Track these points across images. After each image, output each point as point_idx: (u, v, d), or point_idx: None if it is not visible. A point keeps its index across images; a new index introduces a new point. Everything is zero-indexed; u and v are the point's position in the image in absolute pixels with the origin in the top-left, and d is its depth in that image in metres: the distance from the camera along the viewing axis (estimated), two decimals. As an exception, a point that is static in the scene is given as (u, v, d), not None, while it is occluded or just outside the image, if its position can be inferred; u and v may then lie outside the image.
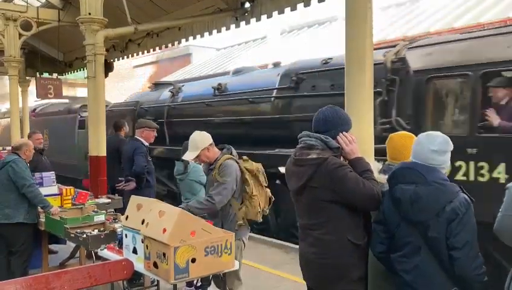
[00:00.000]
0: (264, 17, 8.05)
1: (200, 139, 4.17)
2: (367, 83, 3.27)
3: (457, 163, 4.89)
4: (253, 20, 8.24)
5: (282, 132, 7.15)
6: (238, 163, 4.16)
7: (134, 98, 12.36)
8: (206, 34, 9.31)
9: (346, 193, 2.63)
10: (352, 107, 3.18)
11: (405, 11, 16.07)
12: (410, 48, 6.02)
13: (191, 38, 9.74)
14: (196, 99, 9.67)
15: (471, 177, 4.78)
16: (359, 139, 2.94)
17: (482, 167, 4.72)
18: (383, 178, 2.81)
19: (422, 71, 5.50)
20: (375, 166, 3.01)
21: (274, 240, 7.51)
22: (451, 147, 2.58)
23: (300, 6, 7.49)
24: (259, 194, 4.14)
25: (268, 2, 7.91)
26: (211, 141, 4.19)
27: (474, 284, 2.43)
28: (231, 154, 4.23)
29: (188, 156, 4.21)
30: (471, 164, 4.79)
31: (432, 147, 2.54)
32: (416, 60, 5.66)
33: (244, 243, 4.24)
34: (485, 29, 6.14)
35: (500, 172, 4.57)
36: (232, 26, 8.64)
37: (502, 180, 4.51)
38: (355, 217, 2.70)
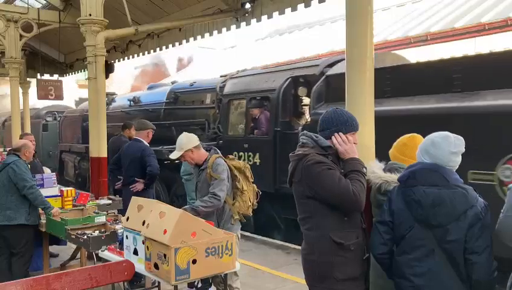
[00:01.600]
0: (264, 17, 8.06)
1: (185, 141, 4.34)
2: (368, 85, 3.26)
3: (240, 153, 7.80)
4: (253, 21, 8.25)
5: (167, 133, 9.33)
6: (225, 162, 4.38)
7: (82, 106, 14.73)
8: (207, 34, 9.32)
9: (319, 189, 2.63)
10: (352, 108, 3.17)
11: (406, 11, 16.08)
12: (231, 78, 8.77)
13: (191, 39, 9.75)
14: (119, 108, 12.04)
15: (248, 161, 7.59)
16: (360, 141, 2.92)
17: (250, 155, 7.72)
18: (388, 176, 2.79)
19: (227, 95, 8.44)
20: (377, 165, 2.99)
21: (276, 241, 7.51)
22: (464, 146, 2.56)
23: (301, 6, 7.50)
24: (248, 189, 4.40)
25: (269, 3, 7.92)
26: (196, 143, 4.36)
27: (487, 287, 2.41)
28: (218, 154, 4.44)
29: (173, 155, 4.41)
30: (246, 154, 7.78)
31: (452, 149, 2.51)
32: (228, 87, 8.51)
33: (238, 237, 4.40)
34: (264, 69, 8.95)
35: (257, 158, 7.60)
36: (233, 26, 8.65)
37: (258, 163, 7.55)
38: (342, 215, 2.67)
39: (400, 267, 2.54)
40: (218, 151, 4.52)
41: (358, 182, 2.64)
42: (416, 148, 2.81)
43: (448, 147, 2.52)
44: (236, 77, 8.67)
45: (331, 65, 7.13)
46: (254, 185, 4.56)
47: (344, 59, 6.75)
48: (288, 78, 7.39)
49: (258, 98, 7.73)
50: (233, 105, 8.21)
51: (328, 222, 2.67)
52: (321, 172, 2.62)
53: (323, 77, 6.78)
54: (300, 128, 6.87)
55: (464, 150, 2.55)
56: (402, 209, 2.55)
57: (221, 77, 9.31)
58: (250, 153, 7.69)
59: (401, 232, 2.55)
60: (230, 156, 4.57)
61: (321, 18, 20.26)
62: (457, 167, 2.56)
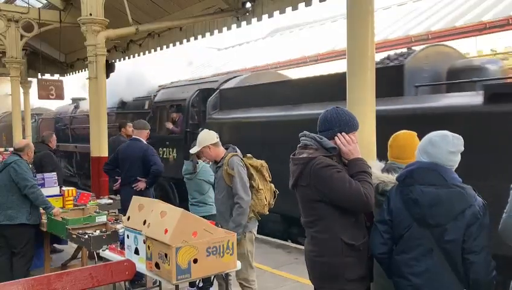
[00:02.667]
0: (265, 16, 8.05)
1: (203, 138, 4.46)
2: (369, 84, 3.26)
3: (163, 149, 9.56)
4: (254, 20, 8.24)
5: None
6: (242, 160, 4.40)
7: (57, 109, 17.38)
8: (208, 34, 9.31)
9: (330, 192, 2.60)
10: (353, 107, 3.17)
11: (406, 10, 16.07)
12: (163, 88, 10.92)
13: (192, 38, 9.75)
14: (84, 112, 13.66)
15: (165, 155, 9.48)
16: (361, 140, 2.91)
17: (170, 150, 9.50)
18: (385, 177, 2.78)
19: (157, 102, 10.34)
20: (377, 165, 2.97)
21: (277, 241, 7.51)
22: (463, 145, 2.54)
23: (301, 6, 7.49)
24: (264, 188, 4.42)
25: (270, 2, 7.91)
26: (215, 141, 4.43)
27: (486, 287, 2.39)
28: (235, 152, 4.48)
29: (192, 150, 4.62)
30: (167, 149, 9.53)
31: (450, 148, 2.50)
32: (158, 96, 10.46)
33: (254, 234, 4.46)
34: (185, 81, 11.33)
35: (174, 153, 9.35)
36: (233, 26, 8.64)
37: (175, 157, 9.29)
38: (350, 217, 2.66)
39: (399, 267, 2.53)
40: (237, 149, 4.55)
41: (367, 183, 2.62)
42: (399, 148, 2.83)
43: (446, 146, 2.50)
44: (165, 88, 10.82)
45: (226, 81, 9.47)
46: (272, 184, 4.57)
47: (237, 76, 9.56)
48: (196, 90, 9.36)
49: (175, 105, 9.71)
50: (160, 110, 10.17)
51: (338, 223, 2.65)
52: (331, 176, 2.58)
53: (218, 90, 9.05)
54: (200, 129, 8.47)
55: (463, 149, 2.54)
56: (400, 208, 2.53)
57: (158, 86, 11.52)
58: (170, 149, 9.57)
59: (399, 231, 2.54)
60: (248, 155, 4.59)
61: (322, 17, 20.27)
62: (457, 165, 2.54)
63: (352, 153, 2.72)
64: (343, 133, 2.72)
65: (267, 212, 4.53)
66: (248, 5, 8.21)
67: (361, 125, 2.87)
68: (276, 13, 7.90)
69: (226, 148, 4.53)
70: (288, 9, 7.70)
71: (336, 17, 18.80)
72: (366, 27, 3.28)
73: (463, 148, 2.54)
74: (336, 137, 2.73)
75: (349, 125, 2.76)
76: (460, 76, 5.97)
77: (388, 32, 14.12)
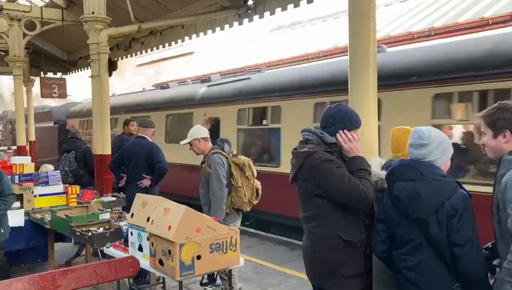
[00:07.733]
0: (267, 14, 8.02)
1: (195, 131, 4.77)
2: (371, 80, 3.26)
3: None
4: (256, 18, 8.23)
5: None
6: (227, 158, 4.62)
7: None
8: (210, 32, 9.30)
9: (328, 188, 2.61)
10: (355, 105, 3.17)
11: (409, 6, 16.02)
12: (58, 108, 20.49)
13: (194, 36, 9.74)
14: (7, 119, 22.28)
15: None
16: (363, 136, 2.92)
17: None
18: (383, 174, 2.79)
19: (7, 118, 23.21)
20: (377, 162, 2.99)
21: (280, 237, 7.53)
22: (425, 140, 2.52)
23: (303, 3, 7.47)
24: (245, 186, 4.62)
25: (272, -1, 7.89)
26: (205, 135, 4.77)
27: (477, 279, 2.40)
28: (223, 149, 4.69)
29: (182, 141, 4.86)
30: None
31: (408, 141, 2.60)
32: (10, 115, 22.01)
33: (236, 228, 4.58)
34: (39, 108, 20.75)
35: None
36: (235, 23, 8.63)
37: None
38: (348, 214, 2.67)
39: (395, 261, 2.59)
40: (225, 145, 4.70)
41: (366, 180, 2.64)
42: (396, 141, 2.89)
43: (407, 140, 2.62)
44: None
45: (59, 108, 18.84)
46: (256, 182, 4.74)
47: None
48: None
49: (11, 121, 18.81)
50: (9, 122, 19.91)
51: (336, 219, 2.66)
52: (331, 170, 2.60)
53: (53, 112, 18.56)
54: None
55: (427, 141, 2.52)
56: (389, 206, 2.59)
57: None
58: None
59: (392, 228, 2.58)
60: (234, 152, 4.78)
61: (323, 14, 20.22)
62: (433, 158, 2.52)
63: (352, 151, 2.73)
64: (345, 131, 2.74)
65: (248, 209, 4.76)
66: (250, 2, 8.19)
67: (363, 122, 2.88)
68: (278, 10, 7.88)
69: (216, 143, 4.77)
70: (290, 6, 7.67)
71: (338, 13, 18.76)
72: (368, 23, 3.28)
73: (424, 142, 2.53)
74: (337, 134, 2.74)
75: (351, 122, 2.77)
76: (58, 115, 16.96)
77: (390, 29, 14.08)
